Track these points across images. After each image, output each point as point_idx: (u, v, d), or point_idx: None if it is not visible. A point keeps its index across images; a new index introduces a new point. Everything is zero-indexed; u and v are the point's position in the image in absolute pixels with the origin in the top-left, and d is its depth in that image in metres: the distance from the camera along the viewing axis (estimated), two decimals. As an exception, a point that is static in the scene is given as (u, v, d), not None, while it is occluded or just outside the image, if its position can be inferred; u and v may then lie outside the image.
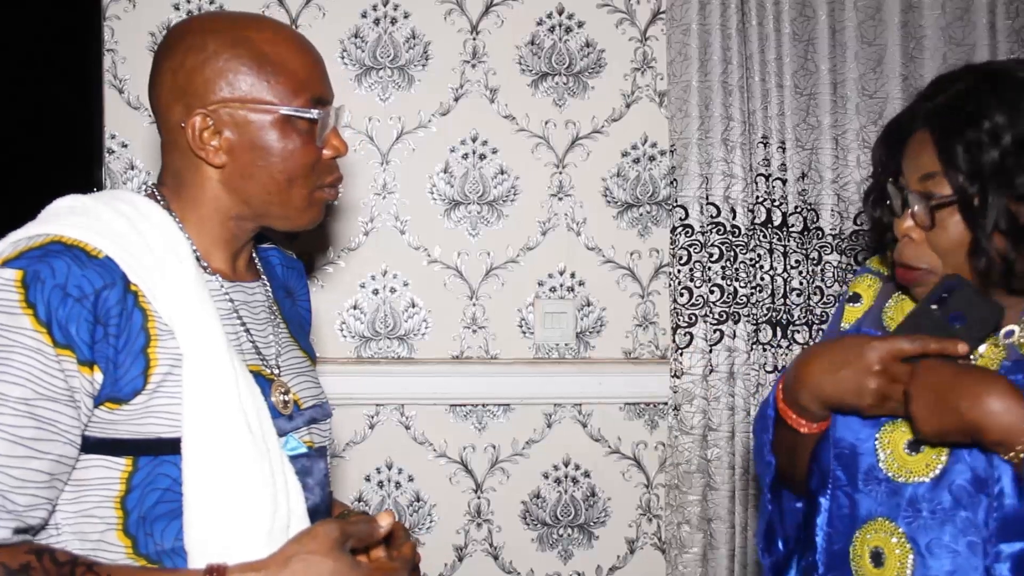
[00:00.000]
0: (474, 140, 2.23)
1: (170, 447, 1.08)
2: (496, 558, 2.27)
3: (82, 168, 2.15)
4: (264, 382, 1.19)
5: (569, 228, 2.25)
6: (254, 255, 1.32)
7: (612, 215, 2.26)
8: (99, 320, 1.05)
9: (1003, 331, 1.26)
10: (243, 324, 1.22)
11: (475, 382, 2.22)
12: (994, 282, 1.20)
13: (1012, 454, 1.12)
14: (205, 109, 1.14)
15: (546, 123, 2.24)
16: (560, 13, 2.23)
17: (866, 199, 1.36)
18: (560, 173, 2.24)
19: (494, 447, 2.25)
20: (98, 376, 1.05)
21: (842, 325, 1.46)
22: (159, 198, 1.20)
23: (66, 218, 1.11)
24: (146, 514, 1.08)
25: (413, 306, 2.23)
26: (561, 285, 2.26)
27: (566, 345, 2.26)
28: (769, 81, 2.17)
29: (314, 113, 1.16)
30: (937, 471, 1.21)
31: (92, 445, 1.08)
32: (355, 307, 2.22)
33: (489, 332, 2.24)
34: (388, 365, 2.21)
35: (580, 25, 2.24)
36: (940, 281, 1.22)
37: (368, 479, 2.22)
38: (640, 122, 2.26)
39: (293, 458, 1.19)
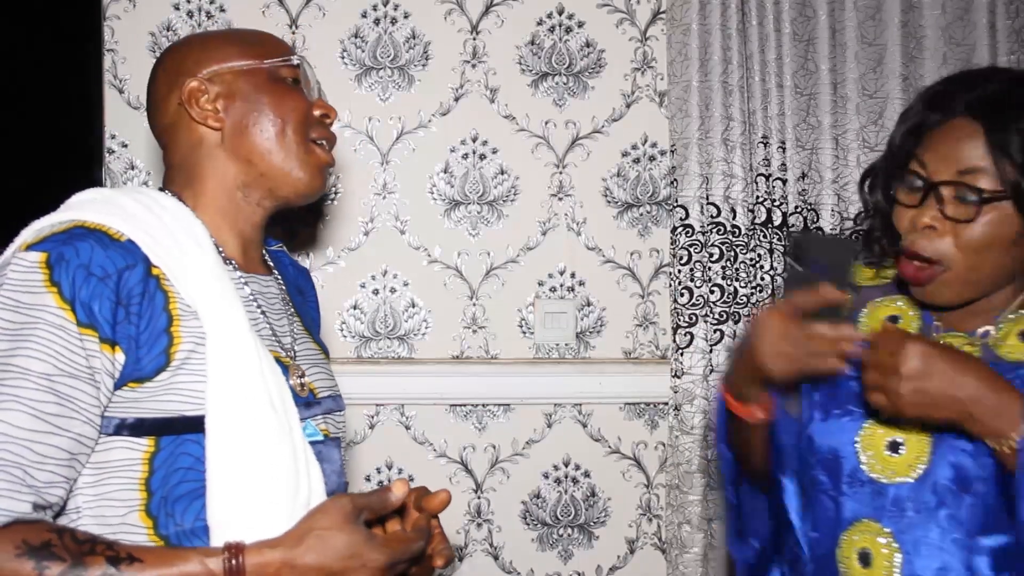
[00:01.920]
0: (474, 140, 2.23)
1: (193, 425, 1.09)
2: (496, 558, 2.26)
3: (82, 168, 2.16)
4: (282, 367, 1.21)
5: (569, 228, 2.25)
6: (265, 251, 1.35)
7: (612, 215, 2.26)
8: (120, 300, 1.07)
9: (979, 331, 1.26)
10: (262, 311, 1.24)
11: (475, 382, 2.22)
12: (995, 272, 1.20)
13: (1002, 444, 1.12)
14: (198, 75, 1.22)
15: (546, 123, 2.24)
16: (560, 13, 2.23)
17: (865, 182, 1.32)
18: (560, 173, 2.24)
19: (494, 447, 2.25)
20: (119, 356, 1.07)
21: None
22: (172, 194, 1.24)
23: (88, 206, 1.15)
24: (168, 494, 1.09)
25: (413, 306, 2.23)
26: (561, 285, 2.26)
27: (566, 345, 2.26)
28: (769, 81, 2.17)
29: (294, 59, 1.27)
30: (920, 470, 1.22)
31: (115, 427, 1.09)
32: (355, 307, 2.22)
33: (489, 332, 2.24)
34: (388, 365, 2.21)
35: (580, 25, 2.24)
36: (790, 241, 1.20)
37: (368, 479, 2.22)
38: (640, 122, 2.26)
39: (311, 444, 1.19)
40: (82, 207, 1.15)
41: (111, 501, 1.09)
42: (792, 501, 1.35)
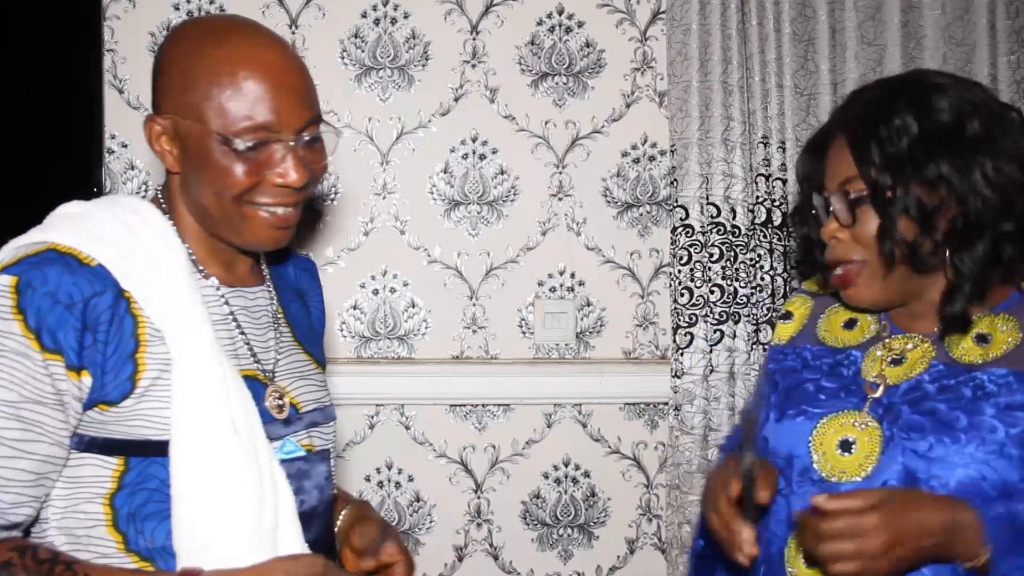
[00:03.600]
0: (474, 140, 2.23)
1: (158, 449, 1.10)
2: (496, 558, 2.26)
3: (82, 168, 2.15)
4: (259, 386, 1.20)
5: (569, 228, 2.25)
6: (262, 259, 1.33)
7: (612, 215, 2.26)
8: (87, 327, 1.08)
9: (938, 330, 1.29)
10: (240, 328, 1.23)
11: (475, 382, 2.22)
12: (898, 264, 1.25)
13: (975, 562, 1.14)
14: (159, 116, 1.17)
15: (546, 123, 2.24)
16: (560, 13, 2.23)
17: (793, 217, 1.41)
18: (560, 173, 2.24)
19: (494, 447, 2.25)
20: (86, 380, 1.08)
21: (774, 341, 1.50)
22: (162, 201, 1.23)
23: (64, 225, 1.14)
24: (136, 511, 1.10)
25: (413, 306, 2.23)
26: (561, 285, 2.26)
27: (566, 345, 2.26)
28: (769, 81, 2.17)
29: (237, 143, 1.12)
30: (869, 471, 1.24)
31: (87, 444, 1.11)
32: (355, 307, 2.22)
33: (489, 332, 2.24)
34: (388, 365, 2.21)
35: (580, 25, 2.24)
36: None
37: (368, 479, 2.22)
38: (640, 122, 2.26)
39: (289, 461, 1.20)
40: (58, 225, 1.14)
41: (77, 514, 1.12)
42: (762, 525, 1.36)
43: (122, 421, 1.10)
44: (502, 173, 2.23)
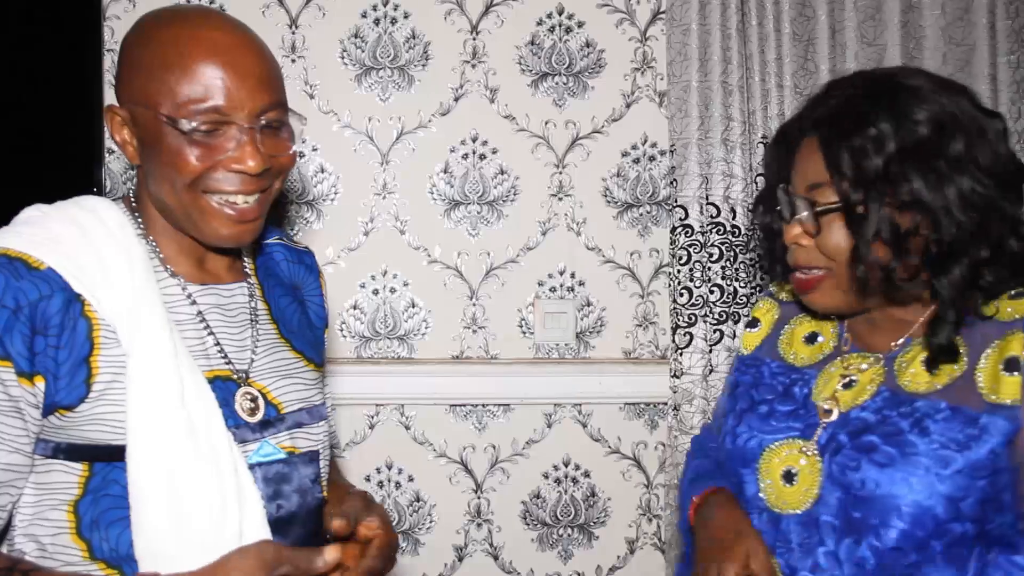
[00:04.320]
0: (474, 140, 2.23)
1: (119, 453, 1.08)
2: (496, 558, 2.26)
3: (82, 168, 2.15)
4: (230, 387, 1.17)
5: (569, 228, 2.25)
6: (244, 255, 1.30)
7: (612, 215, 2.26)
8: (37, 331, 1.06)
9: (895, 343, 1.26)
10: (208, 328, 1.19)
11: (475, 382, 2.22)
12: (872, 290, 1.20)
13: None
14: (117, 106, 1.16)
15: (546, 123, 2.24)
16: (560, 13, 2.23)
17: (756, 205, 1.36)
18: (560, 173, 2.24)
19: (494, 447, 2.25)
20: (40, 385, 1.06)
21: (741, 350, 1.47)
22: (133, 202, 1.20)
23: (17, 229, 1.12)
24: (99, 518, 1.08)
25: (413, 306, 2.23)
26: (561, 285, 2.26)
27: (566, 345, 2.26)
28: (769, 81, 2.17)
29: (183, 124, 1.09)
30: (809, 504, 1.22)
31: (52, 450, 1.09)
32: (355, 307, 2.22)
33: (489, 332, 2.24)
34: (388, 365, 2.21)
35: (580, 25, 2.24)
36: None
37: (368, 479, 2.22)
38: (640, 122, 2.26)
39: (267, 464, 1.17)
40: (13, 230, 1.12)
41: (43, 521, 1.10)
42: None
43: (80, 426, 1.08)
44: (502, 173, 2.23)
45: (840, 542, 1.18)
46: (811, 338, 1.37)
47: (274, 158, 1.15)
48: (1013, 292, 1.19)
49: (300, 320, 1.35)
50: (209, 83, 1.10)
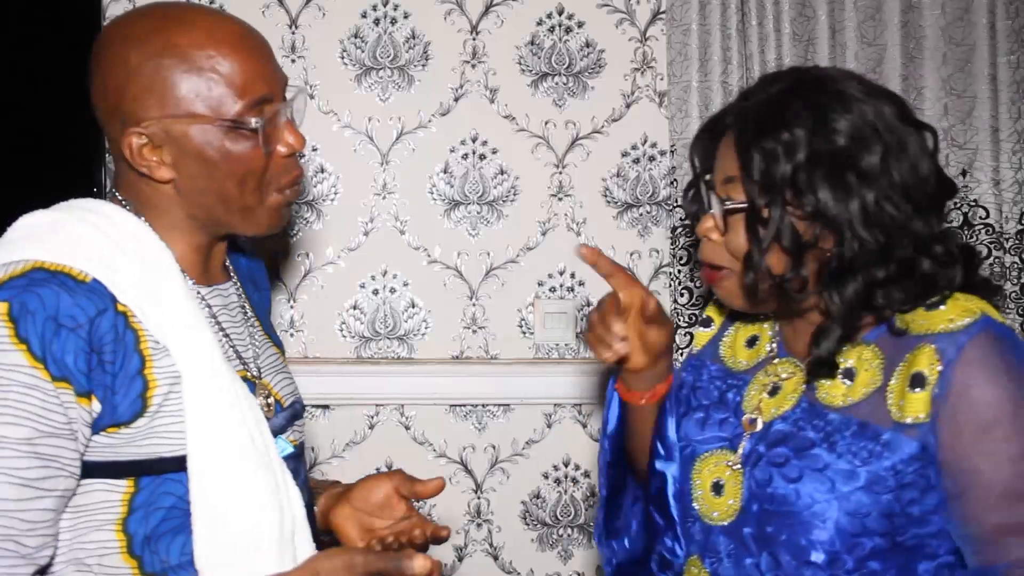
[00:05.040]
0: (474, 140, 2.23)
1: (174, 465, 1.06)
2: (496, 558, 2.26)
3: (82, 168, 2.15)
4: (250, 387, 1.16)
5: (569, 228, 2.25)
6: (225, 255, 1.28)
7: (612, 215, 2.26)
8: (94, 348, 1.01)
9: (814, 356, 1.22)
10: (223, 330, 1.18)
11: (475, 382, 2.22)
12: (763, 298, 1.17)
13: None
14: (139, 127, 1.07)
15: (546, 123, 2.24)
16: (560, 13, 2.23)
17: (684, 193, 1.34)
18: (560, 173, 2.24)
19: (494, 447, 2.25)
20: (96, 405, 1.02)
21: (693, 350, 1.46)
22: (124, 203, 1.14)
23: (41, 240, 1.05)
24: (151, 534, 1.06)
25: (413, 306, 2.23)
26: (561, 285, 2.26)
27: (566, 345, 2.26)
28: (769, 81, 2.17)
29: (253, 122, 1.07)
30: (733, 516, 1.21)
31: (91, 469, 1.04)
32: (355, 307, 2.22)
33: (489, 332, 2.24)
34: (388, 365, 2.21)
35: (580, 25, 2.24)
36: None
37: (368, 479, 2.22)
38: (640, 122, 2.25)
39: (284, 460, 1.17)
40: (33, 241, 1.05)
41: (86, 544, 1.05)
42: (674, 493, 1.33)
43: (134, 442, 1.04)
44: (502, 173, 2.23)
45: (760, 554, 1.17)
46: (751, 341, 1.35)
47: None
48: (928, 303, 1.16)
49: (265, 311, 1.35)
50: (251, 72, 1.08)
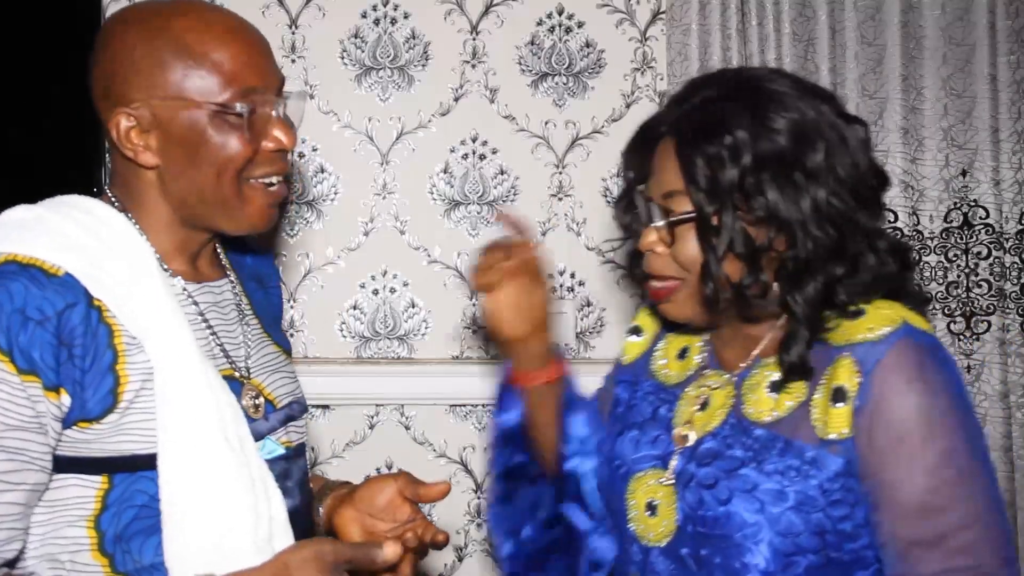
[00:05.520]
0: (474, 140, 2.23)
1: (146, 463, 1.05)
2: (496, 559, 2.27)
3: (82, 169, 2.15)
4: (236, 386, 1.15)
5: (569, 228, 2.25)
6: (219, 250, 1.27)
7: (612, 215, 2.26)
8: (63, 342, 1.00)
9: (739, 367, 1.21)
10: (210, 327, 1.17)
11: (475, 382, 2.22)
12: (724, 306, 1.14)
13: None
14: (128, 108, 1.08)
15: (546, 123, 2.24)
16: (560, 13, 2.23)
17: (617, 204, 1.30)
18: (560, 173, 2.24)
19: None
20: (65, 399, 1.01)
21: (622, 359, 1.42)
22: (114, 200, 1.15)
23: (19, 233, 1.05)
24: (122, 532, 1.05)
25: (413, 306, 2.23)
26: (561, 285, 2.26)
27: (566, 345, 2.26)
28: (769, 81, 2.17)
29: (238, 107, 1.07)
30: (670, 537, 1.18)
31: (65, 464, 1.04)
32: (355, 307, 2.22)
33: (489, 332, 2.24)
34: (388, 365, 2.21)
35: (580, 25, 2.24)
36: None
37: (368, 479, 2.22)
38: (640, 122, 2.25)
39: (271, 462, 1.15)
40: (11, 234, 1.05)
41: (59, 540, 1.05)
42: (592, 500, 1.30)
43: (105, 438, 1.03)
44: (502, 173, 2.23)
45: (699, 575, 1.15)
46: (682, 353, 1.32)
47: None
48: (850, 312, 1.13)
49: (273, 313, 1.34)
50: (242, 63, 1.08)
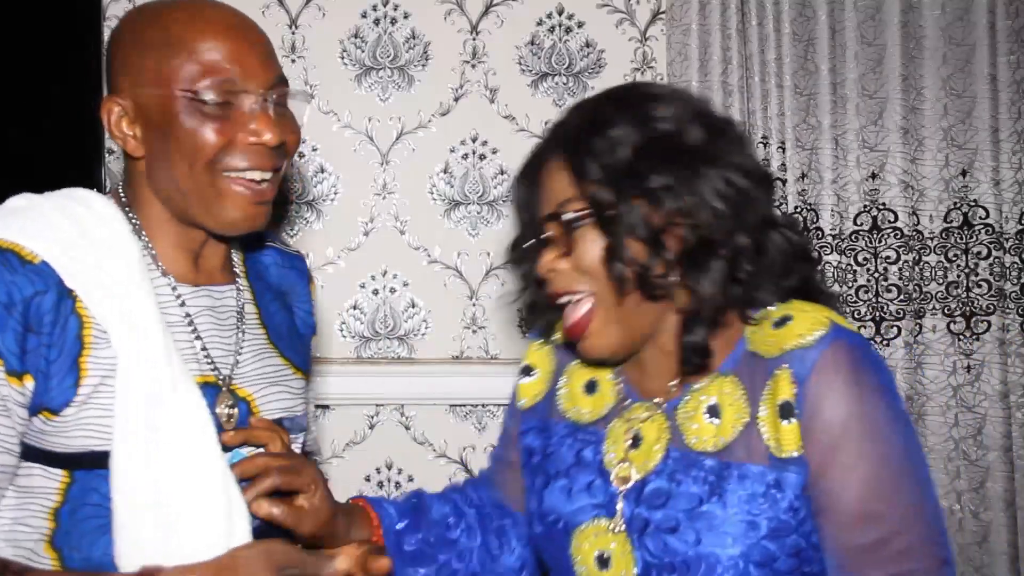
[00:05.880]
0: (474, 140, 2.23)
1: (102, 461, 1.04)
2: (496, 558, 2.26)
3: (82, 169, 2.15)
4: (212, 391, 1.13)
5: (569, 228, 2.25)
6: (234, 255, 1.26)
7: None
8: (30, 328, 1.01)
9: (671, 387, 1.16)
10: (195, 331, 1.15)
11: (475, 382, 2.22)
12: (630, 291, 1.11)
13: None
14: (118, 97, 1.11)
15: (546, 123, 2.22)
16: (560, 13, 2.23)
17: (512, 252, 1.25)
18: (560, 173, 2.24)
19: (494, 447, 2.24)
20: (29, 385, 1.02)
21: (518, 404, 1.36)
22: (122, 196, 1.16)
23: (7, 219, 1.07)
24: (73, 529, 1.05)
25: (413, 306, 2.23)
26: (561, 285, 2.25)
27: (566, 345, 2.26)
28: (769, 81, 2.17)
29: (208, 96, 1.07)
30: None
31: (33, 454, 1.05)
32: (355, 307, 2.22)
33: (489, 332, 2.24)
34: (388, 365, 2.21)
35: (580, 25, 2.24)
36: None
37: (368, 479, 2.22)
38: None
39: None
40: (3, 220, 1.08)
41: (23, 527, 1.06)
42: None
43: (63, 432, 1.03)
44: (502, 173, 2.23)
45: None
46: (590, 387, 1.26)
47: (284, 135, 1.12)
48: (777, 320, 1.10)
49: (289, 326, 1.30)
50: (223, 55, 1.08)
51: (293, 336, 1.30)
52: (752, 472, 1.07)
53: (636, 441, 1.17)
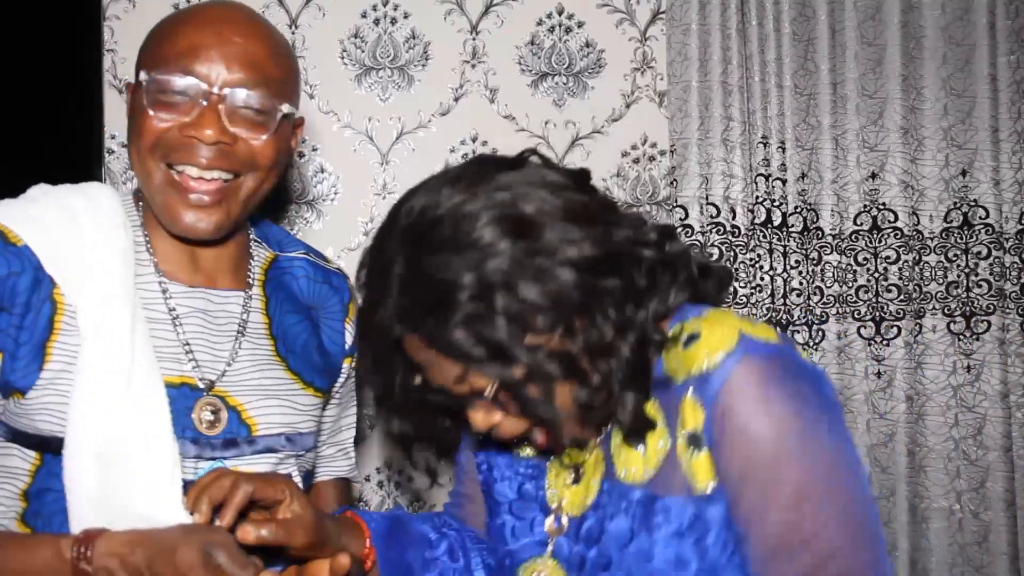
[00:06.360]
0: (474, 140, 2.23)
1: (60, 446, 1.05)
2: (496, 558, 2.26)
3: (82, 168, 2.15)
4: (191, 394, 1.11)
5: (569, 228, 2.25)
6: (253, 263, 1.24)
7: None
8: (2, 307, 1.05)
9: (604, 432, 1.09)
10: (181, 330, 1.13)
11: (475, 382, 2.22)
12: (581, 431, 1.04)
13: None
14: (132, 88, 1.17)
15: (546, 123, 2.24)
16: (560, 13, 2.23)
17: (390, 407, 1.11)
18: (560, 173, 2.24)
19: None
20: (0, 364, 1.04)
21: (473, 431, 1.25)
22: (138, 196, 1.19)
23: (11, 203, 1.13)
24: (41, 509, 1.07)
25: (413, 306, 2.22)
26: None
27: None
28: (769, 81, 2.17)
29: (143, 76, 1.08)
30: None
31: (8, 434, 1.08)
32: (355, 307, 2.22)
33: (489, 332, 2.24)
34: (388, 365, 2.21)
35: (580, 25, 2.24)
36: None
37: (368, 479, 2.22)
38: (640, 122, 2.25)
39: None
40: (8, 203, 1.13)
41: (1, 504, 1.09)
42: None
43: (30, 414, 1.05)
44: (502, 173, 2.23)
45: None
46: (576, 469, 1.16)
47: (241, 140, 1.09)
48: (686, 339, 1.01)
49: (307, 341, 1.25)
50: (190, 44, 1.08)
51: (311, 351, 1.25)
52: (675, 505, 1.00)
53: (578, 477, 1.11)
